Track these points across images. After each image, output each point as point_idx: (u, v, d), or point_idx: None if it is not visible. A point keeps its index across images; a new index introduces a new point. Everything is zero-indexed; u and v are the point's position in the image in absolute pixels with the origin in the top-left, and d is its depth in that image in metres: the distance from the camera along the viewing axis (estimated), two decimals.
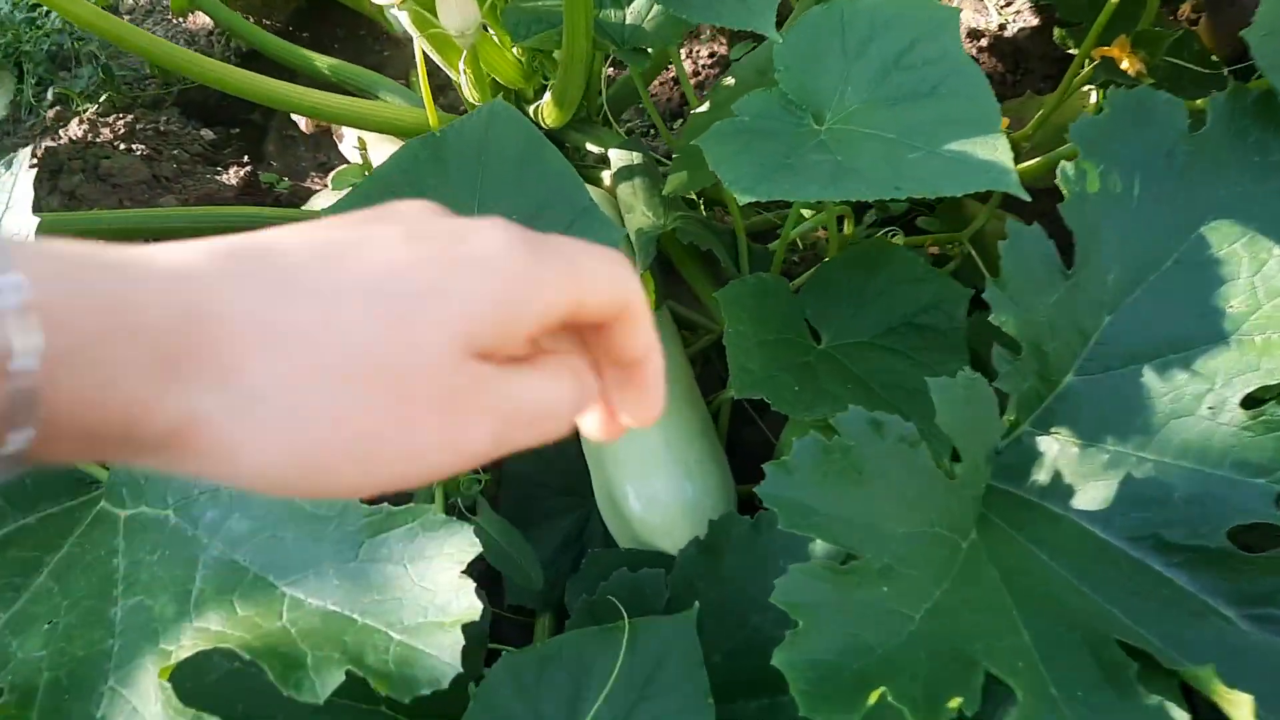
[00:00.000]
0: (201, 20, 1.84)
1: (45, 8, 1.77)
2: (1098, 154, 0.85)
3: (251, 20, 1.68)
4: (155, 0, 1.89)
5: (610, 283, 0.40)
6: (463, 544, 0.56)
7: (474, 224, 0.38)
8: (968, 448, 0.81)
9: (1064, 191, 0.86)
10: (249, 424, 0.32)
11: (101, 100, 1.63)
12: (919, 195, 0.85)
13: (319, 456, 0.33)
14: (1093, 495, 0.91)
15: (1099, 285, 0.89)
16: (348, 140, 1.55)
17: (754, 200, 0.88)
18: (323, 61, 1.38)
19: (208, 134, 1.74)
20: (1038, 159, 1.37)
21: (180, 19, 1.84)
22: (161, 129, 1.65)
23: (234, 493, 0.58)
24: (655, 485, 1.09)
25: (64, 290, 0.30)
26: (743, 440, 1.32)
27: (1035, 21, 1.63)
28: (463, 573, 0.59)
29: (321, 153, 1.81)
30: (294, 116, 1.51)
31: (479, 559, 1.25)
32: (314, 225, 0.37)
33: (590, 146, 1.29)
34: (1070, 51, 1.31)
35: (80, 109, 1.65)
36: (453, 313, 0.35)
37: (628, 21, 1.08)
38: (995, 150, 0.85)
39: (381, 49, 1.88)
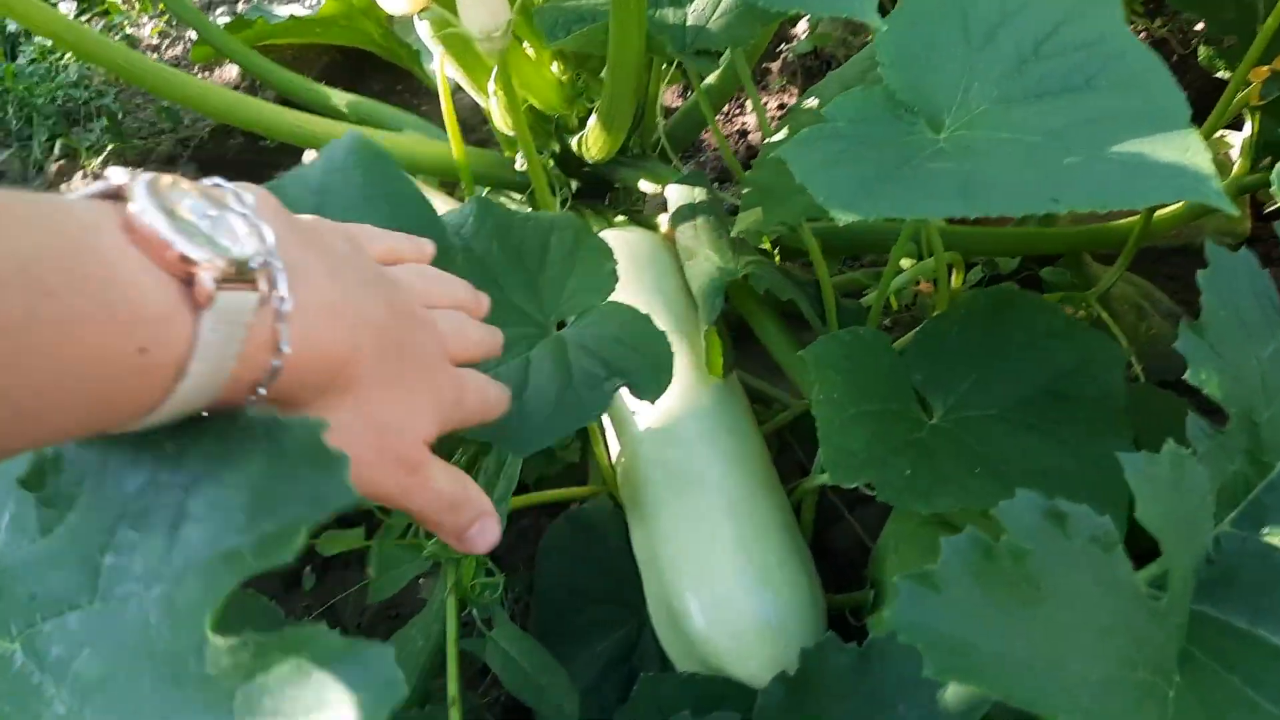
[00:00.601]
0: (227, 74, 1.71)
1: (60, 62, 1.66)
2: None
3: None
4: (178, 57, 1.77)
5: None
6: (380, 679, 0.34)
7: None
8: (1177, 555, 0.57)
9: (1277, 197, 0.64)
10: None
11: (106, 152, 1.49)
12: (1084, 208, 0.63)
13: None
14: None
15: None
16: None
17: (856, 219, 0.67)
18: (340, 98, 1.22)
19: None
20: (1173, 207, 1.15)
21: (206, 72, 1.71)
22: None
23: (82, 615, 0.38)
24: (725, 595, 0.86)
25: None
26: (828, 542, 1.09)
27: (1170, 44, 1.43)
28: None
29: None
30: (306, 159, 1.34)
31: (495, 687, 1.02)
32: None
33: (644, 186, 1.10)
34: (1219, 76, 1.10)
35: (86, 164, 1.51)
36: None
37: (689, 22, 0.89)
38: (1185, 151, 0.64)
39: (419, 103, 1.73)
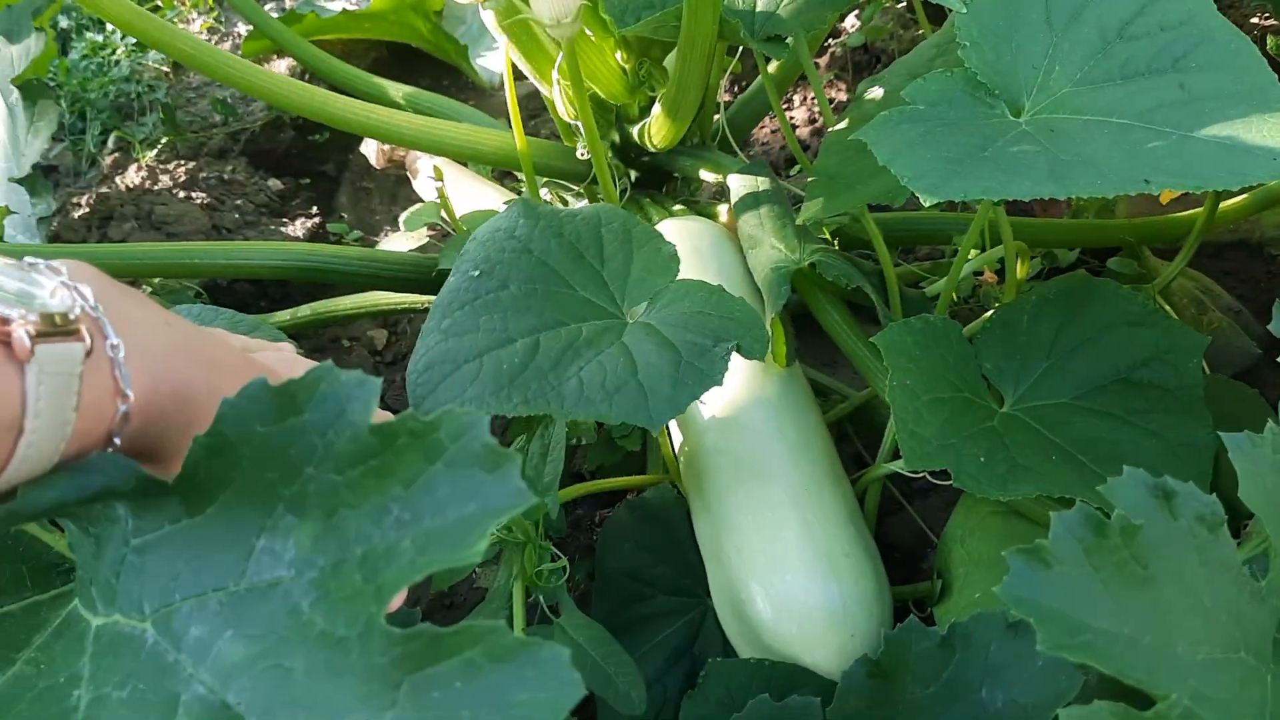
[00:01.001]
0: (276, 70, 1.73)
1: (111, 57, 1.67)
2: None
3: None
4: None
5: None
6: (555, 680, 0.33)
7: None
8: (1278, 535, 0.56)
9: None
10: None
11: (161, 145, 1.50)
12: (1177, 188, 0.63)
13: None
14: None
15: None
16: (423, 174, 1.38)
17: (942, 200, 0.67)
18: (397, 90, 1.23)
19: (275, 184, 1.61)
20: (1237, 199, 1.14)
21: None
22: (226, 178, 1.52)
23: (225, 597, 0.37)
24: (792, 584, 0.85)
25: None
26: (888, 533, 1.08)
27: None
28: None
29: (398, 205, 1.66)
30: (364, 149, 1.35)
31: None
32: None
33: (705, 175, 1.09)
34: None
35: (140, 156, 1.52)
36: None
37: (759, 8, 0.89)
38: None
39: (466, 98, 1.73)
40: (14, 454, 0.42)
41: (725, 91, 1.58)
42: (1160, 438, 0.79)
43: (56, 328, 0.43)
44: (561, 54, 0.92)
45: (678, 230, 1.02)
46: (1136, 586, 0.50)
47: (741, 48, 1.01)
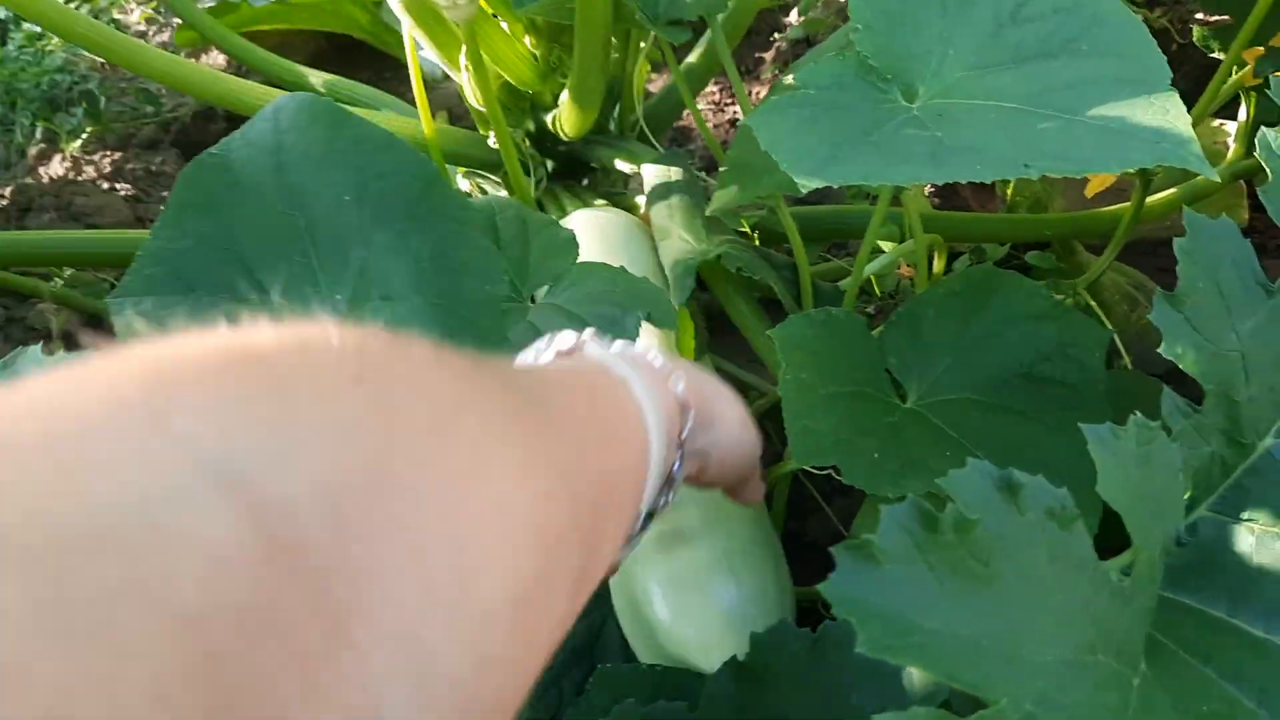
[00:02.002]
0: (214, 61, 1.70)
1: (46, 48, 1.65)
2: None
3: None
4: (166, 43, 1.75)
5: None
6: None
7: None
8: (1143, 534, 0.54)
9: (1267, 170, 0.61)
10: None
11: (87, 135, 1.47)
12: (1058, 173, 0.60)
13: None
14: None
15: None
16: None
17: (821, 186, 0.64)
18: (317, 78, 1.20)
19: None
20: (1165, 193, 1.12)
21: (192, 59, 1.69)
22: (154, 169, 1.49)
23: None
24: (689, 585, 0.83)
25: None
26: (804, 534, 1.06)
27: (1170, 33, 1.39)
28: None
29: None
30: None
31: None
32: None
33: (623, 167, 1.07)
34: (1214, 57, 1.07)
35: (65, 147, 1.49)
36: None
37: None
38: (1165, 114, 0.62)
39: (407, 91, 1.71)
40: (649, 443, 0.47)
41: (656, 80, 1.56)
42: (1059, 432, 0.77)
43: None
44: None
45: (588, 220, 1.00)
46: (976, 585, 0.48)
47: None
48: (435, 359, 0.33)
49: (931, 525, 0.46)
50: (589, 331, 0.53)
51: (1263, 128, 0.60)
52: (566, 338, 0.52)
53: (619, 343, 0.53)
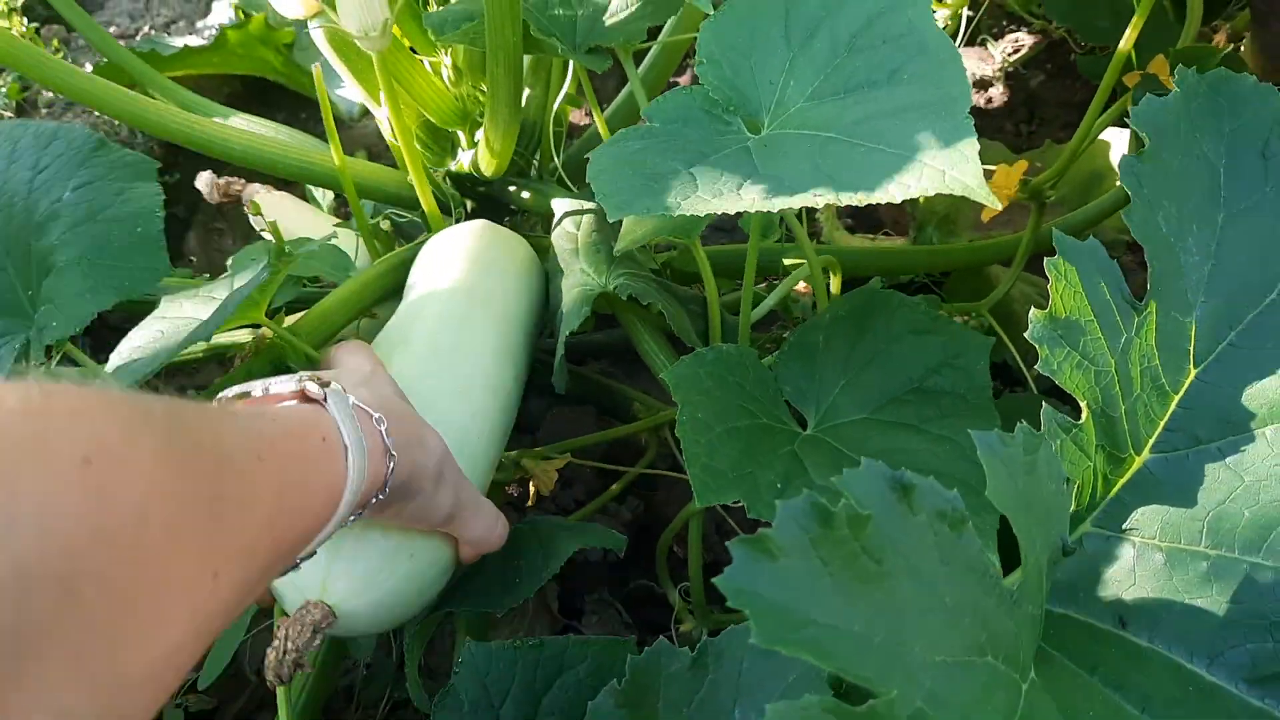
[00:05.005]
0: None
1: None
2: (1171, 147, 0.64)
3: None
4: None
5: None
6: None
7: None
8: (1030, 540, 0.56)
9: (1130, 194, 0.65)
10: None
11: None
12: (846, 200, 0.63)
13: None
14: (1190, 620, 0.66)
15: (1180, 327, 0.67)
16: (266, 206, 1.34)
17: (624, 216, 0.68)
18: (228, 116, 1.19)
19: None
20: (1068, 214, 1.18)
21: None
22: None
23: None
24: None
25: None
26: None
27: (1049, 65, 1.48)
28: None
29: (252, 242, 1.61)
30: (198, 183, 1.31)
31: None
32: None
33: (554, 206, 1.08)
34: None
35: None
36: None
37: (581, 12, 0.89)
38: (958, 144, 0.64)
39: (323, 131, 1.71)
40: (348, 470, 0.59)
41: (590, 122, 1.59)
42: (952, 442, 0.79)
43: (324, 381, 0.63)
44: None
45: (467, 232, 0.99)
46: (869, 582, 0.49)
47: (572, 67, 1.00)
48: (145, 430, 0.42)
49: (827, 521, 0.47)
50: (307, 379, 0.63)
51: (1122, 153, 0.64)
52: (284, 383, 0.63)
53: (334, 388, 0.63)
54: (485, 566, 0.87)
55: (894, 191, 0.61)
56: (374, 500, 0.63)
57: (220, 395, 0.65)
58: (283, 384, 0.63)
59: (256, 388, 0.64)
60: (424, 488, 0.69)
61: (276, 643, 0.67)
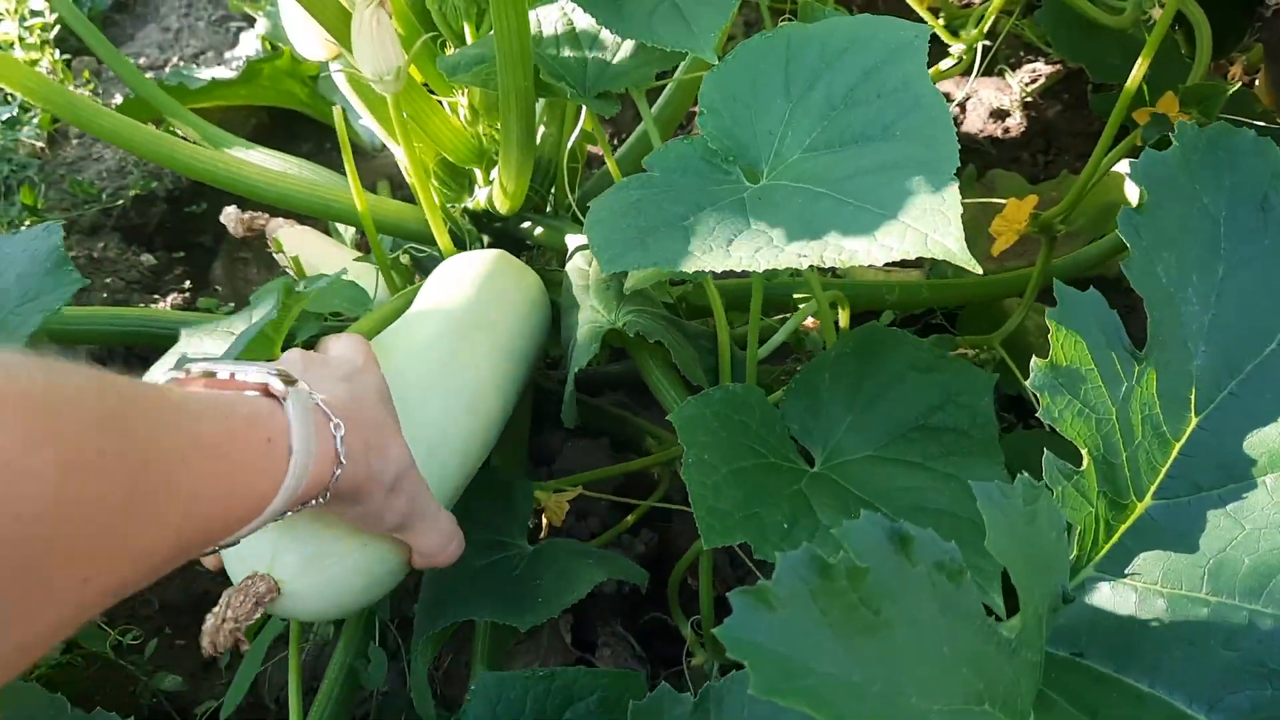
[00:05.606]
0: None
1: None
2: (1170, 199, 0.65)
3: None
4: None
5: None
6: None
7: None
8: (1029, 589, 0.57)
9: (1129, 247, 0.66)
10: None
11: (26, 224, 1.48)
12: (830, 262, 0.64)
13: None
14: (1190, 666, 0.66)
15: (1180, 376, 0.68)
16: (286, 242, 1.37)
17: (615, 270, 0.69)
18: (245, 144, 1.23)
19: (148, 259, 1.60)
20: (1080, 249, 1.18)
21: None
22: (96, 255, 1.52)
23: None
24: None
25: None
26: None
27: (1066, 95, 1.49)
28: None
29: (275, 273, 1.65)
30: (223, 218, 1.34)
31: None
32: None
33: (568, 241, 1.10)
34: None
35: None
36: None
37: (591, 55, 0.91)
38: (943, 206, 0.65)
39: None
40: (286, 474, 0.59)
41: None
42: (956, 479, 0.80)
43: (290, 379, 0.63)
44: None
45: (478, 260, 1.01)
46: (867, 632, 0.50)
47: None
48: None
49: (826, 573, 0.49)
50: (274, 374, 0.63)
51: (1123, 207, 0.66)
52: (252, 372, 0.63)
53: (299, 387, 0.63)
54: (502, 581, 0.89)
55: (876, 254, 0.62)
56: (315, 501, 0.63)
57: (187, 364, 0.65)
58: (250, 373, 0.63)
59: (224, 370, 0.63)
60: (374, 494, 0.68)
61: (217, 609, 0.68)
